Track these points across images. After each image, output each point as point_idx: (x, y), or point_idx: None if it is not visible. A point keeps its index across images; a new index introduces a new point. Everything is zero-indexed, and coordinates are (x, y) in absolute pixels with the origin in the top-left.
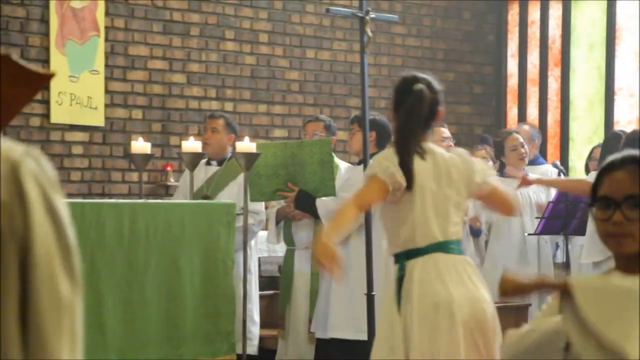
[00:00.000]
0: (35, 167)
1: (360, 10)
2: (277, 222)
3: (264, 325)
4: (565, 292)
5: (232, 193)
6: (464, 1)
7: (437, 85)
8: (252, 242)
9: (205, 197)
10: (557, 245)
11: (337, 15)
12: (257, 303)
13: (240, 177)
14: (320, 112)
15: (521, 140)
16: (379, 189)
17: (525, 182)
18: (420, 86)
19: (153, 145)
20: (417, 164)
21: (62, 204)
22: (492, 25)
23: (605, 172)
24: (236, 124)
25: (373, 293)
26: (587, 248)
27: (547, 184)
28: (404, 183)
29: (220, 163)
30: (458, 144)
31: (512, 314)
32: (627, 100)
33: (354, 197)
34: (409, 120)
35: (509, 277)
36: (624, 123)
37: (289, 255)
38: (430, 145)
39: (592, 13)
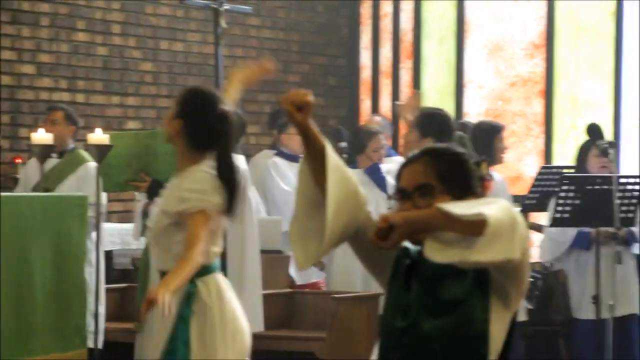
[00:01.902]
0: None
1: (215, 2)
2: (143, 216)
3: (114, 318)
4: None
5: (72, 186)
6: None
7: None
8: (93, 235)
9: (46, 190)
10: None
11: (191, 6)
12: (103, 296)
13: (80, 170)
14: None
15: (383, 141)
16: None
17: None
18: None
19: (2, 137)
20: None
21: None
22: (345, 18)
23: (403, 165)
24: (77, 115)
25: None
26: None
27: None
28: None
29: (60, 155)
30: None
31: (364, 304)
32: (476, 93)
33: None
34: None
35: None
36: (473, 114)
37: (146, 248)
38: None
39: (442, 7)
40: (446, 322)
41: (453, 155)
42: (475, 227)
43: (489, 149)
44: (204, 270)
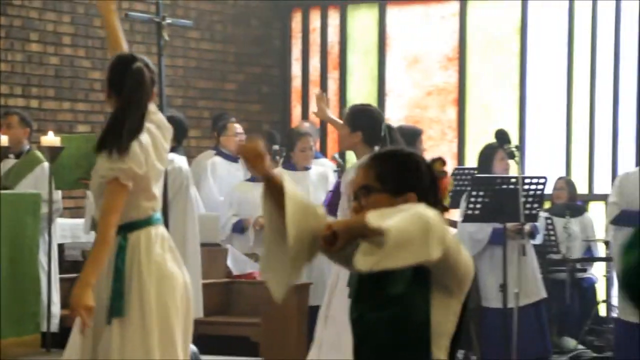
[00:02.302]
0: None
1: (157, 16)
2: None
3: (66, 305)
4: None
5: (29, 184)
6: (251, 9)
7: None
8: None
9: (5, 188)
10: None
11: (136, 20)
12: (57, 285)
13: (37, 170)
14: None
15: (311, 143)
16: None
17: None
18: (139, 65)
19: None
20: None
21: None
22: (277, 32)
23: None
24: (31, 119)
25: None
26: None
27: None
28: None
29: (17, 156)
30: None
31: (295, 292)
32: (396, 101)
33: None
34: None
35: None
36: (394, 120)
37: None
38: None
39: (366, 22)
40: (389, 313)
41: (392, 157)
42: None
43: None
44: (134, 225)
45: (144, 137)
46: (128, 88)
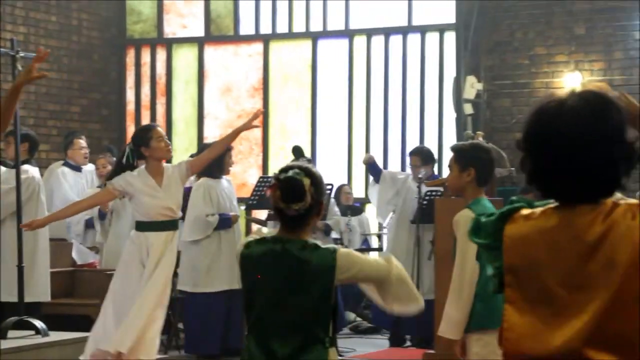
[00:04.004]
0: None
1: (12, 50)
2: None
3: None
4: None
5: None
6: (93, 46)
7: None
8: None
9: None
10: None
11: None
12: None
13: None
14: None
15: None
16: None
17: None
18: None
19: None
20: None
21: None
22: (115, 65)
23: None
24: None
25: (23, 265)
26: (189, 229)
27: None
28: None
29: None
30: (91, 152)
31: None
32: (212, 122)
33: None
34: None
35: None
36: (211, 138)
37: None
38: None
39: (188, 58)
40: None
41: None
42: None
43: (221, 163)
44: None
45: None
46: None
